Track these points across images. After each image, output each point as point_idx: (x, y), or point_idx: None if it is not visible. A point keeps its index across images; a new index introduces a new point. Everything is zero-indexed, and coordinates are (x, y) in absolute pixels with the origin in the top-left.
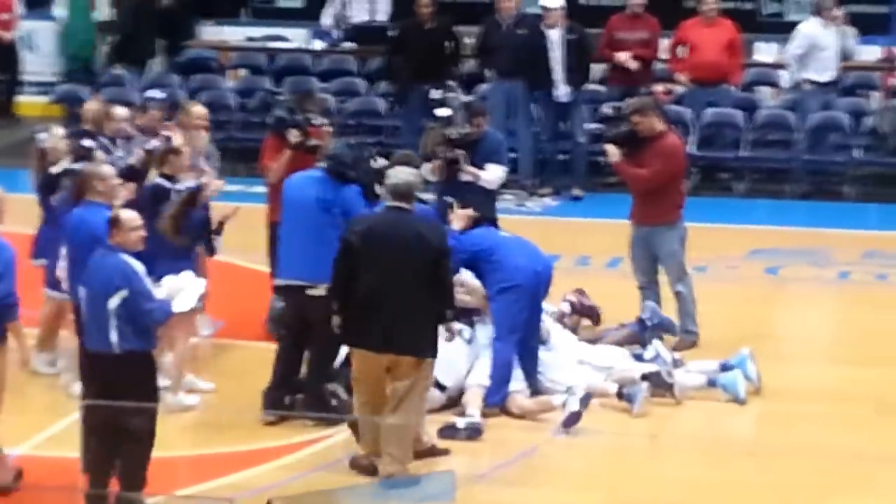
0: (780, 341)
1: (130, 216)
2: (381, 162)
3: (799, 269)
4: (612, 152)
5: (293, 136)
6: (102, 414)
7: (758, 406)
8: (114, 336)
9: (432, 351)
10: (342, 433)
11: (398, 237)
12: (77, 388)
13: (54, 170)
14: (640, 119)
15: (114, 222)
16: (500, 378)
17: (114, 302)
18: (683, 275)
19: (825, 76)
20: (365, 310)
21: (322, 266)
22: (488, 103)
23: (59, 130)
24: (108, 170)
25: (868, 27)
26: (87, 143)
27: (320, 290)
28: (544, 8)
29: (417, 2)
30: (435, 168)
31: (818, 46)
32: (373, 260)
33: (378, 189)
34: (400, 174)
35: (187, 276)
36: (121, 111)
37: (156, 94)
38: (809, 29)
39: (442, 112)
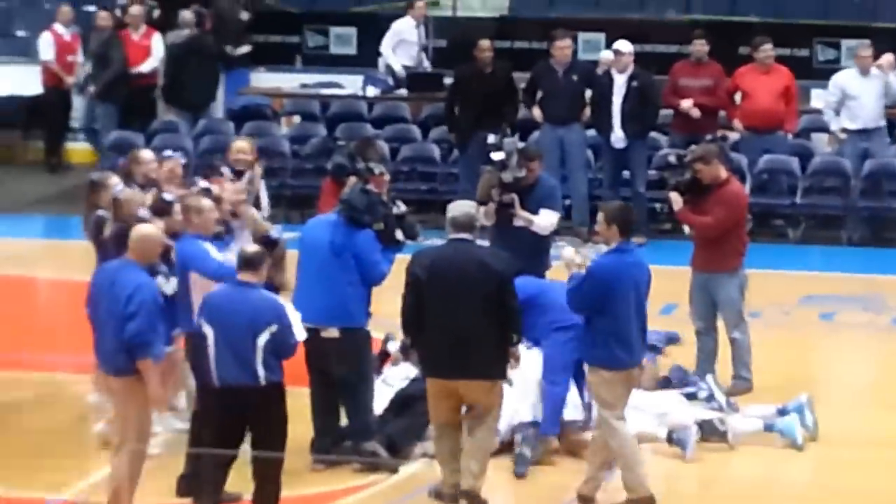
0: (834, 387)
1: (257, 250)
2: (402, 207)
3: (853, 315)
4: (676, 200)
5: (352, 184)
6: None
7: (811, 452)
8: (261, 370)
9: (502, 373)
10: (388, 480)
11: (462, 267)
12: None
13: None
14: (702, 167)
15: (251, 261)
16: (554, 413)
17: (263, 337)
18: (740, 322)
19: (857, 124)
20: (435, 340)
21: (334, 309)
22: (542, 149)
23: (115, 178)
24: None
25: None
26: (168, 196)
27: (334, 332)
28: (615, 51)
29: (478, 47)
30: (489, 212)
31: (850, 95)
32: (439, 291)
33: (398, 234)
34: (459, 206)
35: (289, 305)
36: (148, 154)
37: (169, 153)
38: (842, 77)
39: (496, 156)
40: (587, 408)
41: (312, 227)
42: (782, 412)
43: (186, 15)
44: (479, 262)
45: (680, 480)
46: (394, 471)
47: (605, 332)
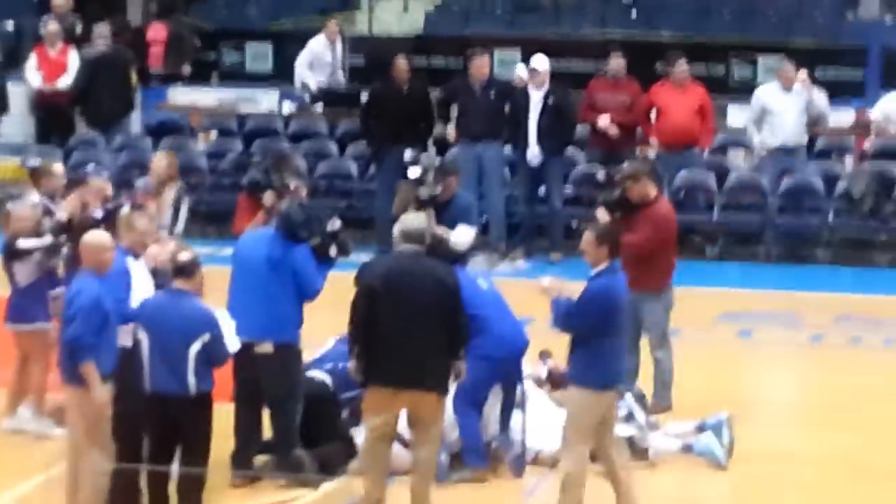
0: (753, 404)
1: (191, 258)
2: (336, 223)
3: (772, 332)
4: (602, 217)
5: (268, 198)
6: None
7: (731, 469)
8: (192, 379)
9: (447, 389)
10: (311, 495)
11: (418, 279)
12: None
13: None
14: (632, 185)
15: (184, 269)
16: (475, 446)
17: (196, 346)
18: (664, 342)
19: (778, 140)
20: (387, 350)
21: (269, 323)
22: (459, 166)
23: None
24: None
25: (841, 91)
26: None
27: (268, 347)
28: (531, 69)
29: (394, 65)
30: None
31: (771, 111)
32: (395, 302)
33: (332, 250)
34: (411, 220)
35: (224, 315)
36: (59, 168)
37: (91, 167)
38: (763, 93)
39: (413, 172)
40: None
41: (247, 242)
42: (701, 428)
43: (101, 28)
44: (433, 276)
45: (603, 499)
46: (316, 486)
47: (602, 352)
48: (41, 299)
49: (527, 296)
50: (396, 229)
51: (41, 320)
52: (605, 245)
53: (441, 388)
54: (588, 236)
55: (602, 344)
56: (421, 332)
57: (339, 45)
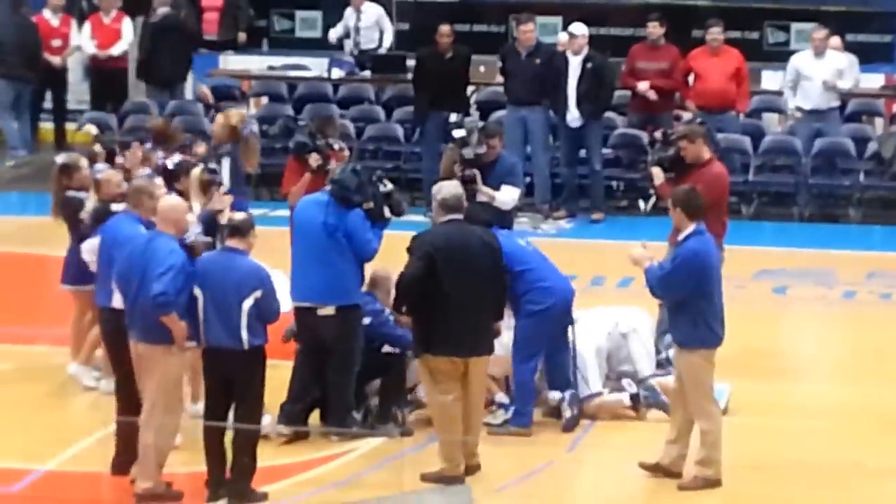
0: (787, 359)
1: (245, 218)
2: (388, 185)
3: (805, 289)
4: (657, 174)
5: (314, 159)
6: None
7: (763, 422)
8: (244, 333)
9: (494, 348)
10: (362, 448)
11: (471, 246)
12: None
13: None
14: (687, 145)
15: (238, 228)
16: (525, 404)
17: (248, 302)
18: None
19: (810, 104)
20: (449, 319)
21: (329, 288)
22: (505, 129)
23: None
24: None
25: (871, 55)
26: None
27: (330, 310)
28: (570, 34)
29: (438, 32)
30: None
31: (804, 76)
32: (454, 271)
33: (386, 211)
34: (446, 188)
35: (278, 275)
36: (84, 162)
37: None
38: (797, 59)
39: (458, 133)
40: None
41: (304, 208)
42: None
43: None
44: (483, 241)
45: (634, 452)
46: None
47: (704, 312)
48: None
49: (569, 254)
50: (435, 199)
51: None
52: (678, 208)
53: (491, 350)
54: (669, 203)
55: (700, 305)
56: (478, 298)
57: (369, 12)
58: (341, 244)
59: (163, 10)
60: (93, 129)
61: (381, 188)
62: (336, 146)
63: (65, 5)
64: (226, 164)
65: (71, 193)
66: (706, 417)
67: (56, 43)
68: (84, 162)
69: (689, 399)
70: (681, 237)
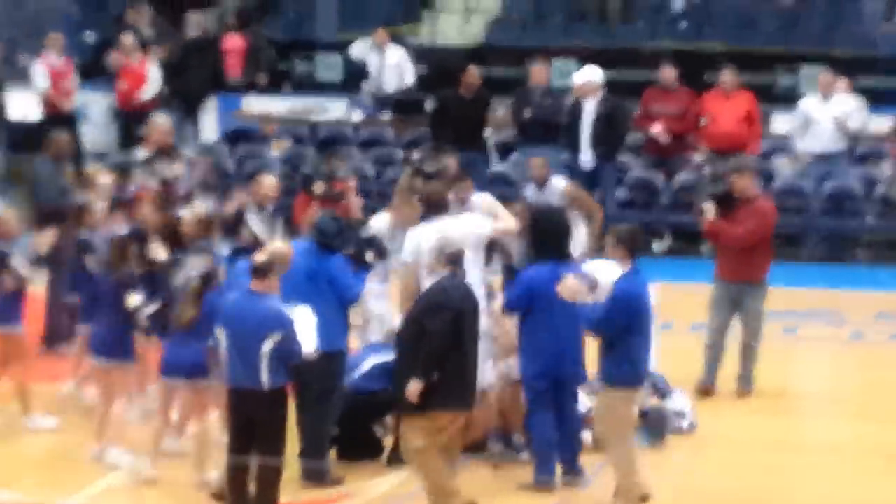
0: (796, 397)
1: (267, 262)
2: (370, 229)
3: (814, 329)
4: (709, 209)
5: (318, 187)
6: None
7: (774, 458)
8: (265, 375)
9: None
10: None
11: (475, 300)
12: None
13: None
14: (737, 179)
15: (258, 271)
16: (545, 457)
17: (268, 344)
18: (760, 332)
19: (819, 147)
20: (458, 375)
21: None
22: (520, 171)
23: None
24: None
25: (879, 99)
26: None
27: (313, 356)
28: (584, 77)
29: (467, 72)
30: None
31: (813, 119)
32: (470, 326)
33: (368, 256)
34: (452, 242)
35: (304, 312)
36: (105, 178)
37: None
38: (806, 103)
39: (416, 155)
40: None
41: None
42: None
43: (197, 17)
44: (472, 294)
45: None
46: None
47: (631, 352)
48: None
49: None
50: (439, 252)
51: None
52: (622, 245)
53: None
54: (608, 237)
55: (628, 344)
56: (476, 350)
57: (391, 53)
58: (324, 289)
59: (194, 33)
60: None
61: (364, 233)
62: (340, 174)
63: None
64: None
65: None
66: (616, 458)
67: (66, 85)
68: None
69: (605, 435)
70: (617, 276)
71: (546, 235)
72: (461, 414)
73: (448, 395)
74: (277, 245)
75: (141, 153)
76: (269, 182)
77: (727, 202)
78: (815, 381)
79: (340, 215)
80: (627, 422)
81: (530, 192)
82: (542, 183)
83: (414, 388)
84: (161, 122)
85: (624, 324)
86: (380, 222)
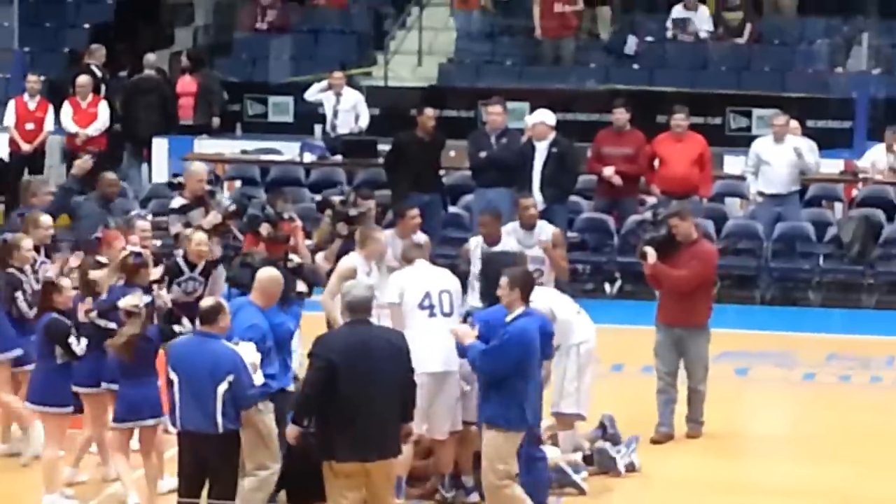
0: (747, 439)
1: (215, 303)
2: (295, 260)
3: (766, 370)
4: (651, 254)
5: (264, 229)
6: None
7: (722, 500)
8: (219, 418)
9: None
10: None
11: (373, 348)
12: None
13: None
14: (678, 222)
15: (205, 315)
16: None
17: (223, 386)
18: (706, 375)
19: (771, 188)
20: (353, 424)
21: None
22: (475, 211)
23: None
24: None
25: (831, 141)
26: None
27: None
28: (536, 119)
29: (424, 114)
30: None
31: (765, 161)
32: (355, 374)
33: (299, 286)
34: (355, 290)
35: (248, 349)
36: (46, 219)
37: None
38: (758, 144)
39: (337, 198)
40: None
41: None
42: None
43: (151, 57)
44: (386, 343)
45: None
46: None
47: (519, 394)
48: None
49: None
50: (343, 299)
51: None
52: (517, 288)
53: (397, 452)
54: (502, 280)
55: (516, 386)
56: (384, 401)
57: (347, 96)
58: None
59: (148, 72)
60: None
61: (290, 263)
62: (286, 216)
63: (41, 89)
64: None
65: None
66: (498, 499)
67: (29, 126)
68: (27, 242)
69: (483, 474)
70: (510, 317)
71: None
72: (358, 465)
73: (336, 446)
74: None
75: (176, 201)
76: (199, 238)
77: (669, 246)
78: (767, 423)
79: (280, 256)
80: (507, 461)
81: (516, 235)
82: (529, 226)
83: (290, 432)
84: (196, 169)
85: (514, 366)
86: (350, 262)
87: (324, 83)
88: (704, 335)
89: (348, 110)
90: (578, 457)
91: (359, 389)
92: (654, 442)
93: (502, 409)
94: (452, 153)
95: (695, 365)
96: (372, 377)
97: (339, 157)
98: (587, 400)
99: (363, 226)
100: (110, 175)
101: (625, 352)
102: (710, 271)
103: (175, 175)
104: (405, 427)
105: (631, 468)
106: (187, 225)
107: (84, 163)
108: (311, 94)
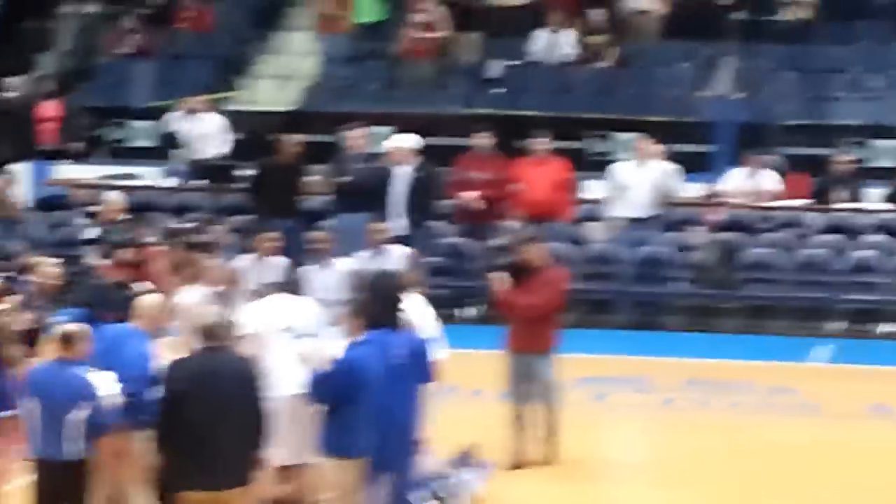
0: (605, 464)
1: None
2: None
3: (625, 395)
4: (503, 280)
5: (127, 254)
6: None
7: None
8: (71, 445)
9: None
10: None
11: (222, 376)
12: None
13: None
14: (529, 248)
15: (65, 339)
16: None
17: (75, 414)
18: (558, 400)
19: (634, 212)
20: (200, 453)
21: None
22: (336, 237)
23: None
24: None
25: (691, 165)
26: None
27: None
28: (399, 144)
29: (284, 140)
30: None
31: (627, 185)
32: (203, 402)
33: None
34: (208, 316)
35: (105, 378)
36: None
37: None
38: (620, 168)
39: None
40: None
41: None
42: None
43: (12, 81)
44: (236, 370)
45: None
46: None
47: (350, 422)
48: None
49: None
50: (195, 325)
51: None
52: (361, 316)
53: (248, 480)
54: (349, 308)
55: (347, 414)
56: (232, 428)
57: (209, 120)
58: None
59: (7, 95)
60: None
61: (130, 289)
62: (146, 241)
63: None
64: None
65: None
66: None
67: None
68: None
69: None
70: (349, 345)
71: (380, 302)
72: (209, 494)
73: (186, 475)
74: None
75: (90, 231)
76: (50, 268)
77: (520, 272)
78: (624, 448)
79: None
80: (349, 493)
81: (365, 257)
82: (380, 250)
83: (150, 460)
84: (113, 199)
85: (342, 394)
86: (190, 295)
87: (186, 107)
88: (553, 360)
89: (210, 135)
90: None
91: (207, 417)
92: (509, 468)
93: (335, 438)
94: (314, 178)
95: (545, 390)
96: (221, 404)
97: (200, 182)
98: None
99: (202, 255)
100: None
101: (484, 377)
102: (560, 297)
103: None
104: (258, 454)
105: (476, 497)
106: (105, 255)
107: None
108: (172, 119)
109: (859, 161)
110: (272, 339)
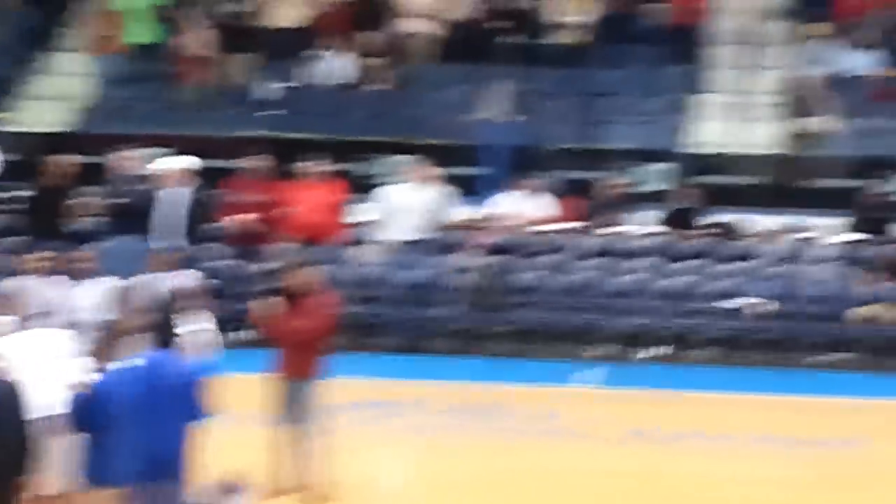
0: (370, 490)
1: None
2: None
3: (395, 420)
4: (269, 305)
5: None
6: None
7: None
8: None
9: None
10: None
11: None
12: None
13: None
14: (298, 272)
15: None
16: None
17: None
18: (323, 426)
19: (405, 235)
20: None
21: None
22: (108, 260)
23: None
24: None
25: (460, 187)
26: None
27: None
28: (169, 165)
29: (52, 162)
30: None
31: (398, 207)
32: None
33: None
34: None
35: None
36: None
37: None
38: (391, 191)
39: None
40: None
41: None
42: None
43: None
44: (4, 397)
45: None
46: None
47: (105, 449)
48: None
49: None
50: None
51: None
52: (125, 339)
53: None
54: (107, 332)
55: (104, 442)
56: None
57: None
58: None
59: None
60: None
61: None
62: None
63: None
64: None
65: None
66: None
67: None
68: None
69: None
70: (107, 368)
71: (150, 324)
72: None
73: None
74: None
75: None
76: None
77: (289, 297)
78: (386, 473)
79: None
80: None
81: (139, 279)
82: (163, 274)
83: None
84: None
85: (105, 420)
86: None
87: None
88: (316, 386)
89: None
90: None
91: None
92: (272, 494)
93: (95, 465)
94: (88, 199)
95: (310, 416)
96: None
97: None
98: None
99: None
100: None
101: (254, 402)
102: (329, 322)
103: None
104: (20, 481)
105: None
106: None
107: None
108: None
109: (630, 185)
110: (31, 365)
